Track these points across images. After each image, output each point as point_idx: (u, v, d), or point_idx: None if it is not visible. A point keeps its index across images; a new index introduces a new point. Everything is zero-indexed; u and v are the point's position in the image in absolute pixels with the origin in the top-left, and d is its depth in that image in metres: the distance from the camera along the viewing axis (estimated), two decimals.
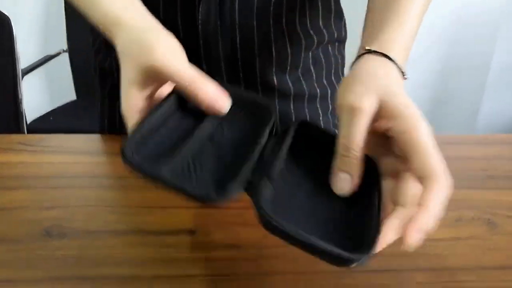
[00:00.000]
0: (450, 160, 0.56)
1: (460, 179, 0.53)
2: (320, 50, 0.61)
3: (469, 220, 0.46)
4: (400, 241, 0.42)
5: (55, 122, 1.60)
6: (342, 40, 0.65)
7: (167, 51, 0.37)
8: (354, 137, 0.33)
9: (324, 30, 0.60)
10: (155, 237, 0.42)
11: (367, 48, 0.38)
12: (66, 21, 1.65)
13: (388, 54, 0.37)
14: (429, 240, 0.42)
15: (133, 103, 0.37)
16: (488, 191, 0.51)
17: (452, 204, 0.48)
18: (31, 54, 1.69)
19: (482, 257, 0.41)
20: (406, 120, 0.32)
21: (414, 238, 0.29)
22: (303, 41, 0.58)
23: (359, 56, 0.39)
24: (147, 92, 0.38)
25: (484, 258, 0.41)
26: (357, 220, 0.33)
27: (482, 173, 0.54)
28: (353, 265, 0.29)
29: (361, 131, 0.33)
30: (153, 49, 0.36)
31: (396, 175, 0.34)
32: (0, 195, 0.48)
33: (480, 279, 0.38)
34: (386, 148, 0.35)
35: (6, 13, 1.13)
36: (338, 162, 0.34)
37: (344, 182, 0.34)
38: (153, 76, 0.37)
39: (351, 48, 0.67)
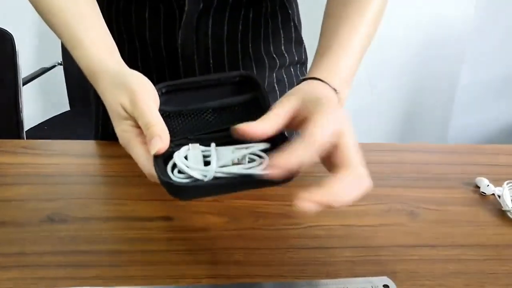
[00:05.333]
0: (387, 164, 0.67)
1: (395, 180, 0.63)
2: (283, 71, 0.72)
3: (396, 211, 0.56)
4: (334, 222, 0.52)
5: (49, 131, 1.68)
6: (303, 62, 0.76)
7: (144, 91, 0.43)
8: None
9: (286, 54, 0.71)
10: (139, 222, 0.52)
11: (314, 76, 0.46)
12: None
13: (330, 84, 0.45)
14: (360, 226, 0.53)
15: (128, 132, 0.43)
16: (418, 189, 0.61)
17: (385, 199, 0.59)
18: (28, 67, 1.78)
19: (399, 238, 0.51)
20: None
21: (306, 206, 0.34)
22: (267, 64, 0.69)
23: (305, 79, 0.46)
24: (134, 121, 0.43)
25: (401, 239, 0.51)
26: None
27: (414, 175, 0.65)
28: None
29: None
30: (132, 89, 0.43)
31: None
32: (8, 189, 0.58)
33: (394, 254, 0.48)
34: None
35: (9, 31, 1.23)
36: None
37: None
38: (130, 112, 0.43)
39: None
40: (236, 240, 0.50)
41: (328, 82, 0.45)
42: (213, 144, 0.43)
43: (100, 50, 0.49)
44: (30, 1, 0.53)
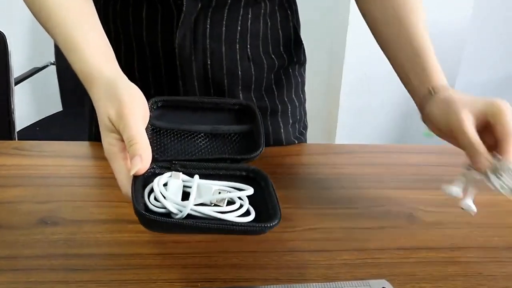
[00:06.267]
0: (385, 166, 0.67)
1: (393, 182, 0.63)
2: (281, 71, 0.71)
3: (394, 213, 0.56)
4: (332, 225, 0.52)
5: (42, 131, 1.67)
6: (301, 63, 0.75)
7: (133, 104, 0.43)
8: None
9: (284, 55, 0.70)
10: (133, 225, 0.51)
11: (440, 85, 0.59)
12: None
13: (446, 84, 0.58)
14: (358, 229, 0.52)
15: (113, 146, 0.43)
16: (416, 191, 0.61)
17: (383, 201, 0.58)
18: (20, 66, 1.76)
19: (398, 241, 0.51)
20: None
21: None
22: (265, 64, 0.68)
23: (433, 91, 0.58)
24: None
25: (399, 242, 0.51)
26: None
27: (412, 177, 0.64)
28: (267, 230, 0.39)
29: None
30: (121, 102, 0.42)
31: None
32: (0, 191, 0.57)
33: (392, 257, 0.48)
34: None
35: (1, 30, 1.22)
36: None
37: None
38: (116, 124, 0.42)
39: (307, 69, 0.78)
40: (233, 243, 0.49)
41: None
42: (196, 177, 0.42)
43: (96, 55, 0.48)
44: (24, 1, 0.52)
